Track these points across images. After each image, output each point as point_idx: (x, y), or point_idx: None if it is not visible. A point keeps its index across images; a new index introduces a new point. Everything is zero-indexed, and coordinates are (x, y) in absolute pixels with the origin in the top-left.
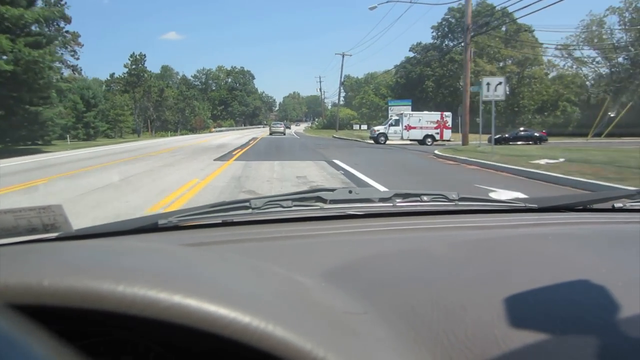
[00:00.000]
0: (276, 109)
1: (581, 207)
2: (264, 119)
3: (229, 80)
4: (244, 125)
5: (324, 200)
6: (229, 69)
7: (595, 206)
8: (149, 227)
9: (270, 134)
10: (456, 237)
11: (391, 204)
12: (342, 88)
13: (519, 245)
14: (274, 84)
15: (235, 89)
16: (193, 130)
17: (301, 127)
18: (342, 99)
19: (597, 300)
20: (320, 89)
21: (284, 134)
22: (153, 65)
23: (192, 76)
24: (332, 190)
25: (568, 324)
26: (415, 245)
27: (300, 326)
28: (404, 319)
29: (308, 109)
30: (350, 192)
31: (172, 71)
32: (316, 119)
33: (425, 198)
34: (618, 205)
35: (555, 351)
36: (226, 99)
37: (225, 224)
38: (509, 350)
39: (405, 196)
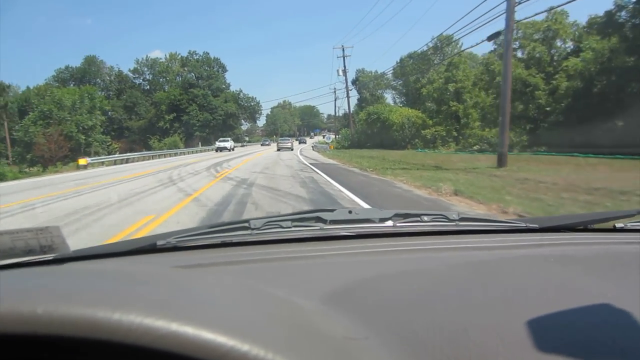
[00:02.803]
0: (262, 122)
1: (582, 227)
2: (245, 135)
3: (186, 74)
4: (201, 145)
5: (323, 221)
6: (184, 56)
7: (596, 226)
8: (148, 248)
9: (278, 149)
10: (457, 258)
11: (391, 225)
12: (354, 87)
13: (520, 267)
14: (259, 93)
15: (194, 85)
16: (31, 163)
17: (308, 145)
18: (354, 101)
19: (601, 323)
20: (345, 70)
21: (292, 149)
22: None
23: (130, 70)
24: (332, 210)
25: (571, 347)
26: (416, 266)
27: (300, 354)
28: (405, 344)
29: (302, 121)
30: (350, 212)
31: (103, 64)
32: (314, 132)
33: (425, 218)
34: (619, 225)
35: None
36: (179, 103)
37: (224, 244)
38: None
39: (405, 216)
